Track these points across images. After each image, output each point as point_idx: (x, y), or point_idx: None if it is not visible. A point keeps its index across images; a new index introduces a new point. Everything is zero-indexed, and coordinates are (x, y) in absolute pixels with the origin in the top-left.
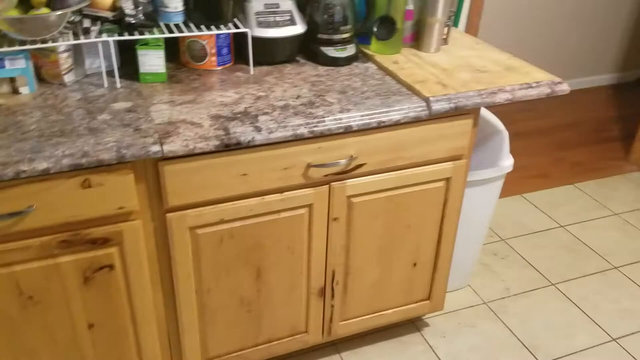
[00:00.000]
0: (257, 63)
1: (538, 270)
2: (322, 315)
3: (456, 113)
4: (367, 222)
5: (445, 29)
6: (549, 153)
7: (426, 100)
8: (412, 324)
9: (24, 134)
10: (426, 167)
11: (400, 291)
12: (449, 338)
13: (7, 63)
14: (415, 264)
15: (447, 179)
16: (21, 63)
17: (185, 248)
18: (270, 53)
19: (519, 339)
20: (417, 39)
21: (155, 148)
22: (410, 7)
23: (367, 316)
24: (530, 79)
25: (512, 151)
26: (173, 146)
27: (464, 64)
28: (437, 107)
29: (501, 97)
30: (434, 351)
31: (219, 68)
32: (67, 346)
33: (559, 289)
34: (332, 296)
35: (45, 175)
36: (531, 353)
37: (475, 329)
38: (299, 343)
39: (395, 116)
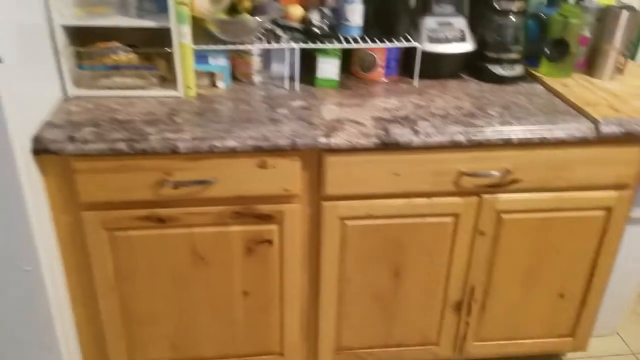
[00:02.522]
0: (421, 77)
1: None
2: (455, 330)
3: (626, 139)
4: (516, 241)
5: (622, 59)
6: None
7: (595, 121)
8: None
9: (218, 118)
10: (587, 192)
11: (542, 321)
12: None
13: (210, 59)
14: (562, 295)
15: (609, 209)
16: (222, 61)
17: (334, 236)
18: (437, 68)
19: None
20: (590, 65)
21: (323, 140)
22: (587, 33)
23: (503, 341)
24: None
25: None
26: (338, 140)
27: (639, 93)
28: (606, 129)
29: None
30: None
31: (385, 79)
32: (223, 308)
33: None
34: (469, 313)
35: (231, 153)
36: None
37: None
38: (429, 354)
39: (559, 134)
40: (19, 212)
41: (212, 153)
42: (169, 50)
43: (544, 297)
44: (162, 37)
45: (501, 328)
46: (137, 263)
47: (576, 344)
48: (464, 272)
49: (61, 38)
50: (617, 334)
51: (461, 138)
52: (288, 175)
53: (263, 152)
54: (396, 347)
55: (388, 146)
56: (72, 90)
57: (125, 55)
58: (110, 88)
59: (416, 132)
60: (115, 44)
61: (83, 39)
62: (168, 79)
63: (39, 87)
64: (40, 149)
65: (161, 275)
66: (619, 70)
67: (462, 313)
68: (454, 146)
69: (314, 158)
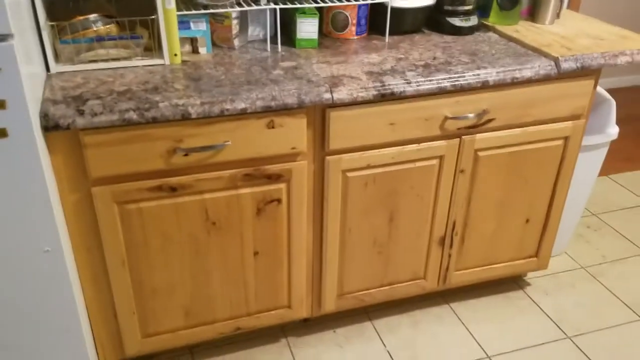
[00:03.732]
0: (389, 33)
1: (631, 241)
2: (439, 263)
3: (580, 74)
4: (490, 175)
5: (559, 4)
6: (632, 139)
7: (555, 59)
8: (515, 283)
9: (218, 82)
10: (549, 124)
11: (512, 246)
12: (551, 296)
13: (191, 25)
14: (527, 220)
15: (566, 138)
16: (202, 26)
17: (337, 189)
18: (402, 23)
19: (619, 298)
20: (533, 13)
21: (327, 95)
22: None
23: (480, 268)
24: None
25: None
26: (341, 94)
27: (580, 33)
28: (565, 65)
29: (622, 60)
30: (538, 306)
31: (356, 37)
32: (235, 270)
33: None
34: (451, 245)
35: (240, 115)
36: (632, 310)
37: (576, 289)
38: (418, 288)
39: (527, 73)
40: (40, 192)
41: (222, 117)
42: (153, 18)
43: (514, 224)
44: (137, 7)
45: (478, 256)
46: (149, 235)
47: (539, 263)
48: (447, 209)
49: (42, 13)
50: (566, 253)
51: (447, 84)
52: (295, 133)
53: (271, 112)
54: (390, 285)
55: (385, 97)
56: (54, 67)
57: (104, 27)
58: (94, 61)
59: (408, 82)
60: (95, 15)
61: (57, 14)
62: (149, 48)
63: (32, 64)
64: (50, 126)
65: (173, 244)
66: (557, 14)
67: (445, 247)
68: (440, 92)
69: (318, 114)
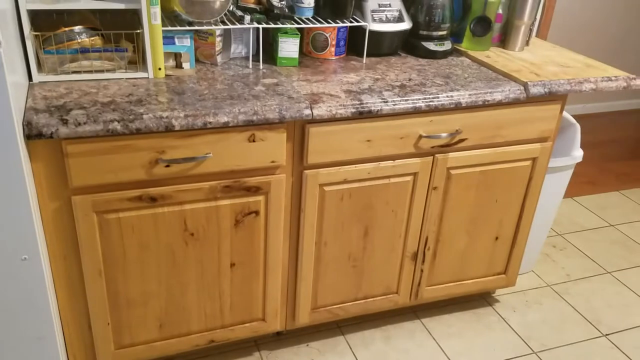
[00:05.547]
0: (366, 54)
1: (594, 261)
2: (412, 278)
3: (548, 98)
4: (461, 193)
5: (529, 32)
6: (595, 164)
7: (524, 84)
8: (483, 299)
9: (201, 96)
10: (518, 146)
11: (482, 263)
12: (519, 312)
13: (176, 40)
14: (497, 238)
15: (534, 159)
16: (187, 42)
17: (314, 202)
18: (380, 46)
19: (582, 315)
20: (504, 40)
21: (308, 111)
22: (500, 11)
23: (451, 284)
24: (609, 74)
25: None
26: (320, 111)
27: (548, 60)
28: (534, 90)
29: (587, 86)
30: (506, 322)
31: (335, 58)
32: (211, 282)
33: (614, 277)
34: (423, 261)
35: (222, 128)
36: (594, 327)
37: (542, 306)
38: (390, 303)
39: (498, 96)
40: (21, 200)
41: (205, 129)
42: (139, 32)
43: (484, 241)
44: (122, 20)
45: (449, 272)
46: (127, 245)
47: (508, 280)
48: (420, 225)
49: (27, 23)
50: (533, 271)
51: (421, 104)
52: (275, 147)
53: (253, 126)
54: (363, 299)
55: (363, 114)
56: (37, 76)
57: (89, 39)
58: (77, 72)
59: (385, 101)
60: (80, 27)
61: (41, 25)
62: (133, 61)
63: (16, 73)
64: (33, 134)
65: (151, 255)
66: (527, 42)
67: (417, 262)
68: (415, 111)
69: (298, 130)
